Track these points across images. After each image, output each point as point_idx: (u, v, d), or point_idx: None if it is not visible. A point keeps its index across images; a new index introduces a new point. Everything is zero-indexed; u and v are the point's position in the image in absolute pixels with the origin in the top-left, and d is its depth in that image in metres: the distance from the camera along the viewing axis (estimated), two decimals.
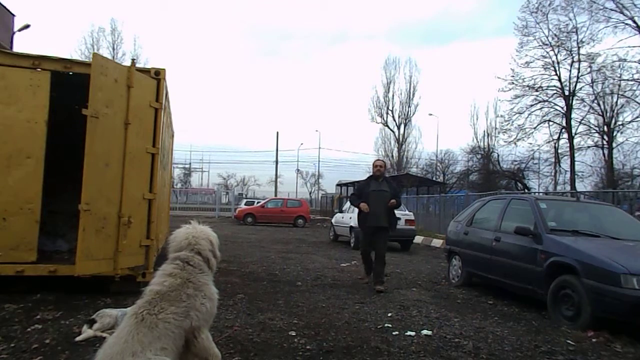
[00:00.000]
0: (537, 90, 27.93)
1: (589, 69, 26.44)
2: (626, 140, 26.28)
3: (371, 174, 7.33)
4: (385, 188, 6.99)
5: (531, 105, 28.15)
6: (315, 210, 41.01)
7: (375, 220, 6.94)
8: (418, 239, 15.40)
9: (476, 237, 7.29)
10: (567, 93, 27.27)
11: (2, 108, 5.06)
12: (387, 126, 47.22)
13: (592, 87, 26.81)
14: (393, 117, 47.19)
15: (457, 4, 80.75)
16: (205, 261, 2.80)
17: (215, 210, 31.17)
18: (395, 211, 15.15)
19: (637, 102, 25.26)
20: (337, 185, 41.96)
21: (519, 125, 28.46)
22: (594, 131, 27.65)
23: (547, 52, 27.62)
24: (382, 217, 6.92)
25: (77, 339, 3.81)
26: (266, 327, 4.44)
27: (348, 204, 15.38)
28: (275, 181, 46.18)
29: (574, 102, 27.30)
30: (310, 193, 61.44)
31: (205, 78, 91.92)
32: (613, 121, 27.11)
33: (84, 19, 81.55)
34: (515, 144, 29.21)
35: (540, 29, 27.63)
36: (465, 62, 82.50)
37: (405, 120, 46.94)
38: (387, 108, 47.06)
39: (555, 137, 28.29)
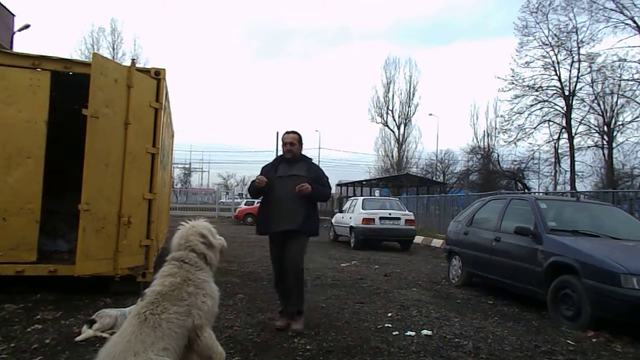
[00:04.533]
0: (537, 90, 27.96)
1: (589, 69, 26.48)
2: (626, 140, 26.34)
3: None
4: (299, 172, 4.53)
5: (531, 105, 28.19)
6: None
7: (281, 222, 4.39)
8: (418, 239, 15.39)
9: (476, 237, 7.29)
10: (567, 93, 27.29)
11: (2, 108, 5.06)
12: (387, 126, 47.24)
13: (592, 87, 26.85)
14: (393, 117, 47.21)
15: (458, 4, 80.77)
16: (201, 257, 2.78)
17: (215, 210, 31.19)
18: (395, 211, 14.99)
19: (637, 102, 25.28)
20: (337, 185, 41.94)
21: (519, 125, 28.51)
22: (594, 131, 27.70)
23: (547, 52, 27.66)
24: (293, 216, 4.38)
25: (77, 339, 3.81)
26: (266, 327, 4.45)
27: (348, 203, 15.39)
28: None
29: (574, 102, 27.34)
30: None
31: (206, 78, 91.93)
32: (613, 121, 27.15)
33: (84, 19, 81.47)
34: (515, 144, 29.26)
35: (540, 29, 27.67)
36: (465, 62, 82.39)
37: (405, 120, 46.96)
38: (387, 108, 47.08)
39: (555, 137, 28.34)
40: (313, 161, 4.84)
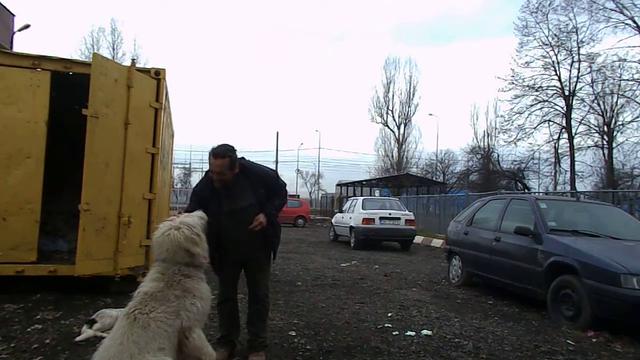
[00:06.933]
0: (537, 90, 27.93)
1: (589, 69, 26.46)
2: (626, 140, 26.29)
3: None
4: (246, 199, 3.54)
5: (531, 105, 28.15)
6: (315, 210, 41.02)
7: (239, 251, 3.67)
8: (418, 239, 15.39)
9: (476, 237, 7.29)
10: (567, 93, 27.27)
11: (2, 108, 5.07)
12: (387, 126, 47.28)
13: (592, 87, 26.82)
14: (393, 117, 47.27)
15: (458, 4, 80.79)
16: (187, 265, 2.72)
17: None
18: (395, 211, 15.05)
19: (637, 102, 25.25)
20: (337, 185, 41.95)
21: (519, 125, 28.45)
22: (594, 131, 27.67)
23: (547, 52, 27.63)
24: (252, 244, 3.62)
25: (77, 339, 3.82)
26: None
27: (348, 203, 15.38)
28: None
29: (574, 102, 27.31)
30: (310, 193, 61.41)
31: (206, 78, 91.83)
32: (613, 121, 27.11)
33: (84, 19, 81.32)
34: (515, 144, 29.21)
35: (540, 29, 27.65)
36: (465, 62, 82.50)
37: (405, 120, 47.01)
38: (387, 108, 47.14)
39: (555, 137, 28.30)
40: (251, 164, 3.70)
